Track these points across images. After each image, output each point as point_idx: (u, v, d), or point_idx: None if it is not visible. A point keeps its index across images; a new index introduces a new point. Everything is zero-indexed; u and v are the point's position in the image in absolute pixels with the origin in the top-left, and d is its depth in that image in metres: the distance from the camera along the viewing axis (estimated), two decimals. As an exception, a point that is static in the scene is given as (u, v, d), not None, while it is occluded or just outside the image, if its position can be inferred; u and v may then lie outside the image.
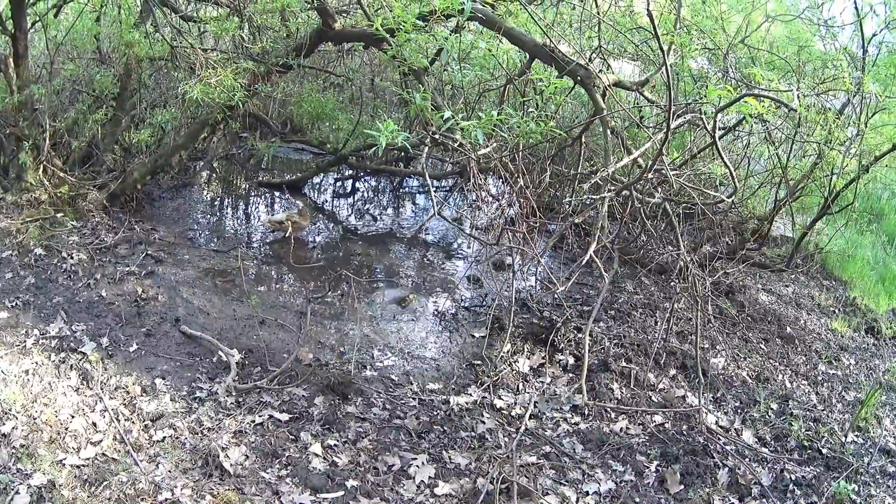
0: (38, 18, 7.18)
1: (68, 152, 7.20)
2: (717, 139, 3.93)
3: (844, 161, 6.88)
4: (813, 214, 8.01)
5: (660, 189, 5.09)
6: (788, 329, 6.73)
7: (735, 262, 6.85)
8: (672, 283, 5.96)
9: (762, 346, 6.37)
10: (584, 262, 4.27)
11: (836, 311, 7.53)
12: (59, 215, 6.54)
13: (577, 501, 4.21)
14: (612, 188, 4.47)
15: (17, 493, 3.62)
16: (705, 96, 4.27)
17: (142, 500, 3.73)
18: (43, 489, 3.67)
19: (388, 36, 5.09)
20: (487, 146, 4.51)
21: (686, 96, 6.37)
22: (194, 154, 8.57)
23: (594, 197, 4.25)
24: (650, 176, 4.30)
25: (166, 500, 3.74)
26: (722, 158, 4.13)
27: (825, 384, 5.97)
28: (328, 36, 6.59)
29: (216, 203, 8.19)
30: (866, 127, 6.94)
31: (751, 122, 5.79)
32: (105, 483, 3.78)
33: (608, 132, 5.02)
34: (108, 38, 7.47)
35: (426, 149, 4.75)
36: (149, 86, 7.84)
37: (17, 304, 5.30)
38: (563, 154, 6.62)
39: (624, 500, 4.26)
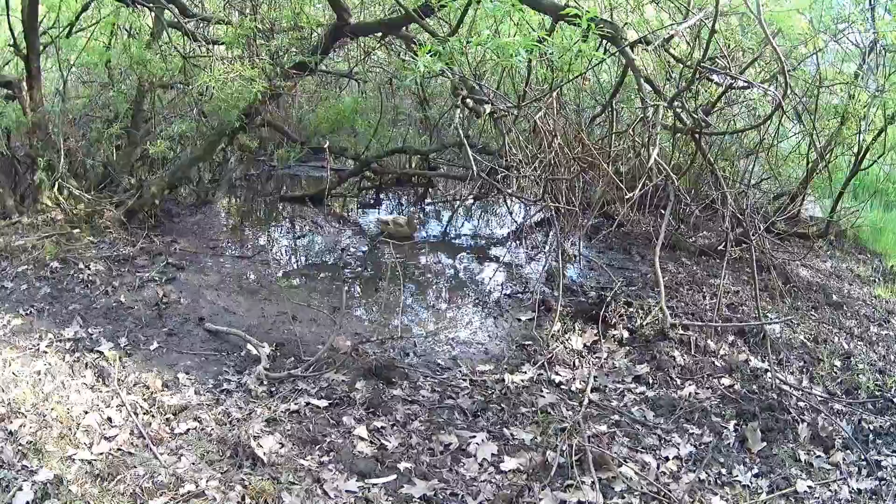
0: (51, 40, 6.73)
1: (84, 174, 6.66)
2: (764, 24, 3.28)
3: (870, 113, 6.33)
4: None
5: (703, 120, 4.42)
6: (835, 297, 6.15)
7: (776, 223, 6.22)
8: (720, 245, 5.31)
9: (812, 313, 5.75)
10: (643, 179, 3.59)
11: (877, 280, 6.95)
12: (75, 231, 5.94)
13: (658, 467, 3.50)
14: (664, 101, 3.82)
15: (20, 489, 2.97)
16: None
17: (161, 493, 3.06)
18: (49, 485, 3.03)
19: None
20: (524, 99, 3.89)
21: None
22: (214, 178, 8.01)
23: (647, 113, 3.59)
24: (705, 65, 3.64)
25: (189, 492, 3.06)
26: (774, 49, 3.48)
27: (880, 344, 5.37)
28: (344, 31, 6.06)
29: (237, 217, 7.57)
30: (886, 80, 6.35)
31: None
32: (119, 477, 3.13)
33: (641, 80, 4.39)
34: (119, 62, 6.96)
35: (458, 111, 4.13)
36: (162, 111, 7.33)
37: (31, 311, 4.71)
38: (593, 129, 6.00)
39: (708, 462, 3.54)
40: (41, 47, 6.42)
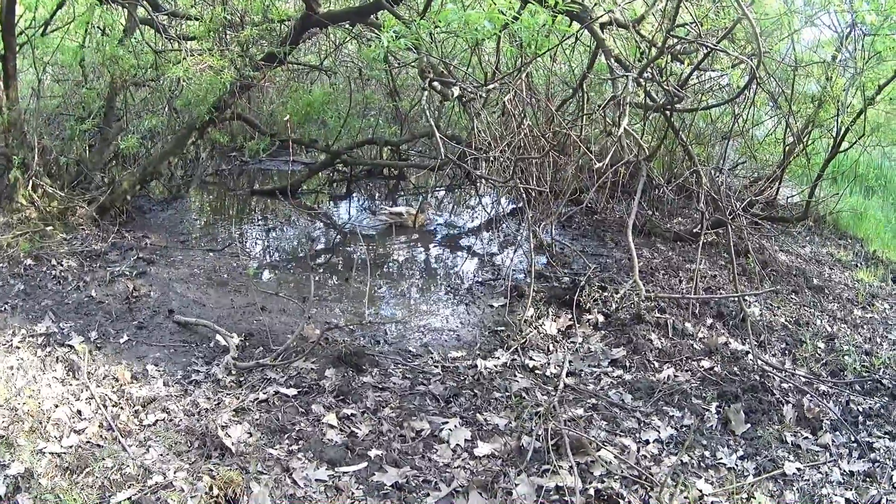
0: (27, 39, 6.59)
1: (58, 171, 6.53)
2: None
3: (848, 97, 6.30)
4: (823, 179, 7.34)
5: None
6: (815, 281, 6.11)
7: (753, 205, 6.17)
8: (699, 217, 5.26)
9: (793, 297, 5.71)
10: (619, 135, 3.53)
11: (858, 264, 6.92)
12: (48, 228, 5.82)
13: (639, 451, 3.44)
14: (634, 73, 3.76)
15: (-9, 484, 2.87)
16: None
17: (129, 485, 2.97)
18: (20, 478, 2.94)
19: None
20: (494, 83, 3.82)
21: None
22: (185, 174, 7.88)
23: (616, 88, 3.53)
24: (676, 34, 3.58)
25: (157, 484, 2.98)
26: (746, 16, 3.43)
27: (865, 326, 5.35)
28: (313, 20, 5.96)
29: (208, 212, 7.46)
30: (865, 64, 6.33)
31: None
32: (87, 470, 3.04)
33: (611, 60, 4.34)
34: (92, 59, 6.83)
35: (426, 93, 4.06)
36: (135, 109, 7.21)
37: (4, 308, 4.58)
38: (564, 111, 5.92)
39: (690, 445, 3.47)
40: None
